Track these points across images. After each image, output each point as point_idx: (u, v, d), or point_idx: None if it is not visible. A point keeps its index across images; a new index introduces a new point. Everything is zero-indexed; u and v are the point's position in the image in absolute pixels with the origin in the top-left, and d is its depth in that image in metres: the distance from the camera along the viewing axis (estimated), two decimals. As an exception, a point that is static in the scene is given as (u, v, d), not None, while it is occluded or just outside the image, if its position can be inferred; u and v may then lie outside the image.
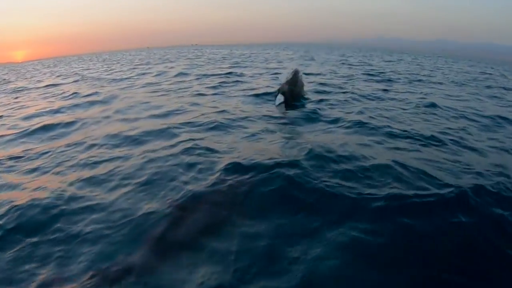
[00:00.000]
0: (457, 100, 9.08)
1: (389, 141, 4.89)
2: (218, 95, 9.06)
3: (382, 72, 16.20)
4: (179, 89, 10.44)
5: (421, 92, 9.92)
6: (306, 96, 8.26)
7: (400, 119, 6.27)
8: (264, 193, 3.41)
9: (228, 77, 12.56)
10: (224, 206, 3.32)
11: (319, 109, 6.89)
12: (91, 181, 3.94)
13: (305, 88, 8.96)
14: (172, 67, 18.83)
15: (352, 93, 9.00)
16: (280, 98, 7.44)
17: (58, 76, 20.60)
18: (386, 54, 43.78)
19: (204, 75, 13.66)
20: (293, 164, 3.81)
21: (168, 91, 10.15)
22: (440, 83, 12.82)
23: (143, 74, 16.23)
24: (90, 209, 3.32)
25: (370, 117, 6.23)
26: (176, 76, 14.01)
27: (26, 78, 21.93)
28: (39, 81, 18.55)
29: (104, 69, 22.10)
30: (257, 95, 8.41)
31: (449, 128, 5.70)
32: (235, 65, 19.13)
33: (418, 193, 3.25)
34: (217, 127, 5.63)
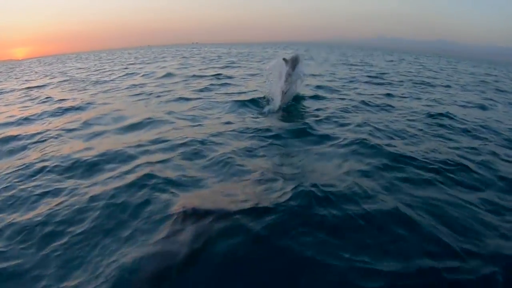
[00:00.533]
0: (469, 107, 8.05)
1: (396, 167, 3.86)
2: (202, 99, 8.03)
3: (384, 73, 15.17)
4: (162, 92, 9.42)
5: (428, 98, 8.87)
6: (303, 105, 7.28)
7: (408, 135, 5.23)
8: (224, 254, 2.43)
9: (218, 79, 11.53)
10: (170, 274, 2.36)
11: (315, 119, 5.88)
12: (24, 227, 3.07)
13: (302, 92, 7.98)
14: (163, 67, 17.79)
15: (352, 99, 7.97)
16: (273, 103, 6.76)
17: (46, 76, 19.60)
18: (387, 53, 42.61)
19: (193, 76, 12.61)
20: (268, 209, 2.81)
21: (149, 94, 9.13)
22: (447, 86, 11.77)
23: (132, 74, 15.20)
24: (7, 274, 2.51)
25: (372, 131, 5.20)
26: (163, 77, 12.97)
27: (16, 78, 20.93)
28: (26, 81, 17.60)
29: (96, 68, 21.07)
30: (244, 102, 7.36)
31: (470, 148, 4.67)
32: (230, 64, 18.08)
33: (441, 266, 2.24)
34: (187, 144, 4.60)
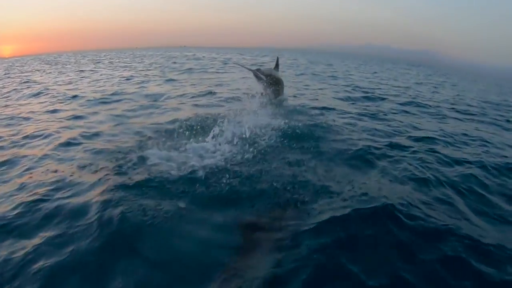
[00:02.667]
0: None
1: None
2: (51, 159, 4.00)
3: (375, 89, 11.33)
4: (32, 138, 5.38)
5: (441, 151, 4.95)
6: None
7: None
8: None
9: (141, 108, 7.47)
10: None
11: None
12: None
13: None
14: (98, 80, 13.67)
15: (319, 152, 4.09)
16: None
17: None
18: (376, 63, 38.66)
19: (108, 101, 8.44)
20: None
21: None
22: (459, 120, 7.88)
23: (41, 94, 10.97)
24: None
25: None
26: (68, 99, 8.88)
27: None
28: None
29: (30, 76, 16.73)
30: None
31: None
32: (181, 75, 13.96)
33: None
34: None
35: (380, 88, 12.85)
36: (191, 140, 4.47)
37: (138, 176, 3.42)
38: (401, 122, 6.83)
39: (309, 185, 3.34)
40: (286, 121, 5.27)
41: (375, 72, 22.45)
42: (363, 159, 4.29)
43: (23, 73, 19.76)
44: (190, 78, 12.76)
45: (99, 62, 26.07)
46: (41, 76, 17.05)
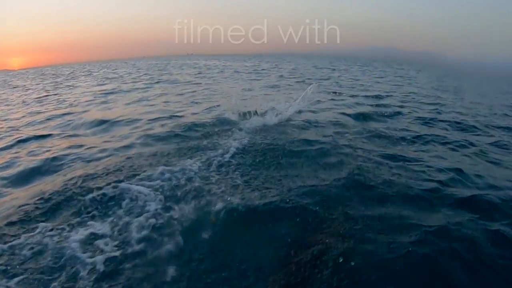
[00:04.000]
0: None
1: None
2: None
3: (387, 98, 9.11)
4: None
5: None
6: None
7: None
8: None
9: (70, 148, 5.52)
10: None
11: None
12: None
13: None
14: (80, 96, 11.90)
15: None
16: None
17: None
18: (383, 66, 35.82)
19: (39, 133, 6.50)
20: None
21: None
22: None
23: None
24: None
25: None
26: (4, 132, 7.00)
27: None
28: None
29: (3, 95, 15.19)
30: None
31: None
32: (167, 85, 12.02)
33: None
34: None
35: (396, 96, 10.65)
36: (85, 220, 2.48)
37: None
38: (438, 160, 4.60)
39: None
40: (257, 182, 3.17)
41: (386, 76, 20.11)
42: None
43: (4, 89, 18.36)
44: (169, 93, 10.80)
45: (90, 74, 24.51)
46: (18, 94, 15.48)
